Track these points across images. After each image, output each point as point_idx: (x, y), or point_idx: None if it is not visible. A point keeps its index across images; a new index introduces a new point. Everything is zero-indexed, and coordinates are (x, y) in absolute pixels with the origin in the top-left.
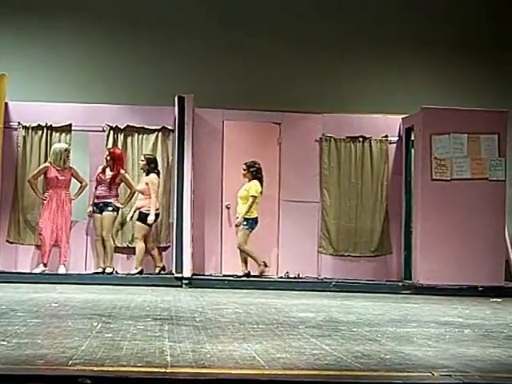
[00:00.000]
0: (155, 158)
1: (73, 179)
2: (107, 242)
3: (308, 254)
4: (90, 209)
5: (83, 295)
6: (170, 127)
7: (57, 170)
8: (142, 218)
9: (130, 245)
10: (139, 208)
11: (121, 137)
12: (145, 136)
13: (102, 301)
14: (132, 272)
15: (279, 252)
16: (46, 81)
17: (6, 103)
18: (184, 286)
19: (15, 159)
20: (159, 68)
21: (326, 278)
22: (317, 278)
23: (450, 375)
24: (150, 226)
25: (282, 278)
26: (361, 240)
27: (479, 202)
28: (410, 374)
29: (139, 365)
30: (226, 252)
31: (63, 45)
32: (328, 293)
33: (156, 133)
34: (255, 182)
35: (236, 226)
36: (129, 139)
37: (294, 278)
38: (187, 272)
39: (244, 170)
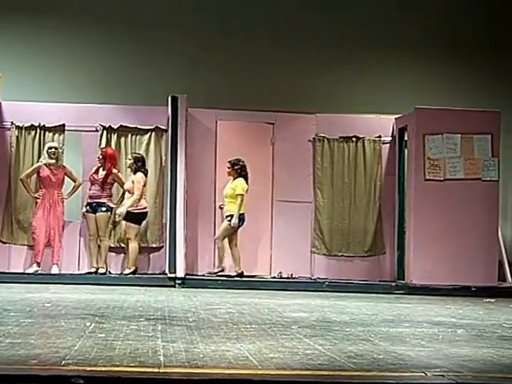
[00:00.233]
0: (142, 157)
1: (67, 179)
2: (103, 243)
3: (301, 254)
4: (84, 209)
5: (76, 295)
6: (163, 127)
7: (49, 169)
8: (131, 217)
9: (122, 245)
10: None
11: (114, 137)
12: (138, 136)
13: (95, 301)
14: (125, 272)
15: (272, 252)
16: (39, 81)
17: (0, 103)
18: (177, 285)
19: (8, 159)
20: (152, 68)
21: (319, 278)
22: (310, 278)
23: (443, 375)
24: (139, 224)
25: (275, 278)
26: (354, 240)
27: (472, 203)
28: (403, 374)
29: (132, 365)
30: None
31: (56, 45)
32: (321, 293)
33: (149, 133)
34: (241, 180)
35: (232, 227)
36: (122, 139)
37: (287, 278)
38: (180, 272)
39: (228, 167)
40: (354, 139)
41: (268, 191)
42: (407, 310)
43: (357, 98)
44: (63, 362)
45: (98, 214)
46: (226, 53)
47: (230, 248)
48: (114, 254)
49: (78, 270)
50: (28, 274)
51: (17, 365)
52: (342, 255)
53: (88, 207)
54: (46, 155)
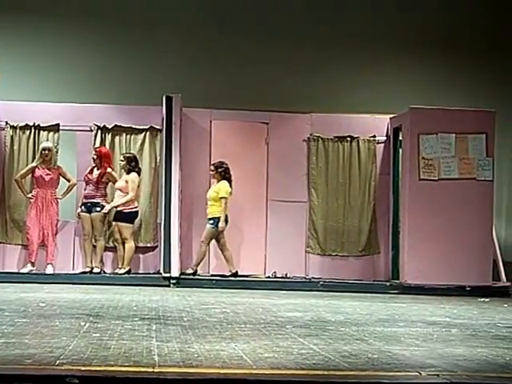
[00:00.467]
0: (135, 157)
1: (62, 179)
2: (98, 243)
3: (296, 253)
4: (79, 210)
5: (71, 295)
6: (157, 127)
7: (43, 169)
8: (123, 217)
9: (116, 244)
10: (116, 206)
11: (108, 136)
12: (132, 136)
13: (90, 300)
14: (120, 272)
15: (267, 252)
16: (34, 80)
17: None
18: (172, 285)
19: (3, 159)
20: (147, 68)
21: (313, 278)
22: (304, 278)
23: (438, 375)
24: (132, 223)
25: (269, 277)
26: (348, 240)
27: (467, 202)
28: (397, 373)
29: (127, 364)
30: (214, 252)
31: (51, 44)
32: (316, 292)
33: (144, 132)
34: (224, 183)
35: (220, 230)
36: (116, 139)
37: (282, 277)
38: (175, 272)
39: (212, 170)
40: (348, 139)
41: (262, 191)
42: (402, 309)
43: (351, 98)
44: (58, 361)
45: (92, 213)
46: (220, 53)
47: (221, 250)
48: (109, 253)
49: (73, 269)
50: (22, 273)
51: (11, 364)
52: (336, 255)
53: (83, 207)
54: (39, 156)
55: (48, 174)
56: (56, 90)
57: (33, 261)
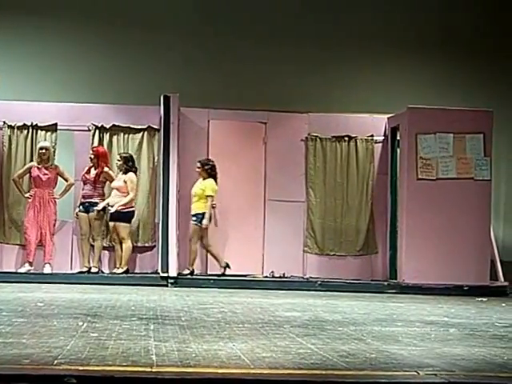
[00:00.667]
0: (131, 156)
1: (60, 178)
2: (96, 242)
3: (293, 253)
4: (77, 210)
5: (69, 294)
6: (155, 127)
7: (40, 168)
8: (121, 217)
9: (113, 244)
10: (111, 205)
11: (106, 136)
12: (130, 135)
13: (88, 300)
14: (118, 271)
15: (264, 251)
16: (32, 80)
17: None
18: (170, 285)
19: (0, 158)
20: (145, 67)
21: (311, 278)
22: (302, 278)
23: (436, 374)
24: (129, 222)
25: (267, 277)
26: (346, 239)
27: (465, 202)
28: (395, 373)
29: (125, 364)
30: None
31: (49, 44)
32: (313, 292)
33: (142, 132)
34: (211, 181)
35: (206, 228)
36: (114, 139)
37: (280, 277)
38: (173, 271)
39: (198, 167)
40: (346, 138)
41: (260, 190)
42: (399, 309)
43: (349, 98)
44: (56, 361)
45: (90, 213)
46: (218, 53)
47: (205, 249)
48: (107, 253)
49: (71, 269)
50: (20, 273)
51: (9, 364)
52: (334, 254)
53: (81, 207)
54: (37, 156)
55: (45, 174)
56: (54, 89)
57: (31, 260)
